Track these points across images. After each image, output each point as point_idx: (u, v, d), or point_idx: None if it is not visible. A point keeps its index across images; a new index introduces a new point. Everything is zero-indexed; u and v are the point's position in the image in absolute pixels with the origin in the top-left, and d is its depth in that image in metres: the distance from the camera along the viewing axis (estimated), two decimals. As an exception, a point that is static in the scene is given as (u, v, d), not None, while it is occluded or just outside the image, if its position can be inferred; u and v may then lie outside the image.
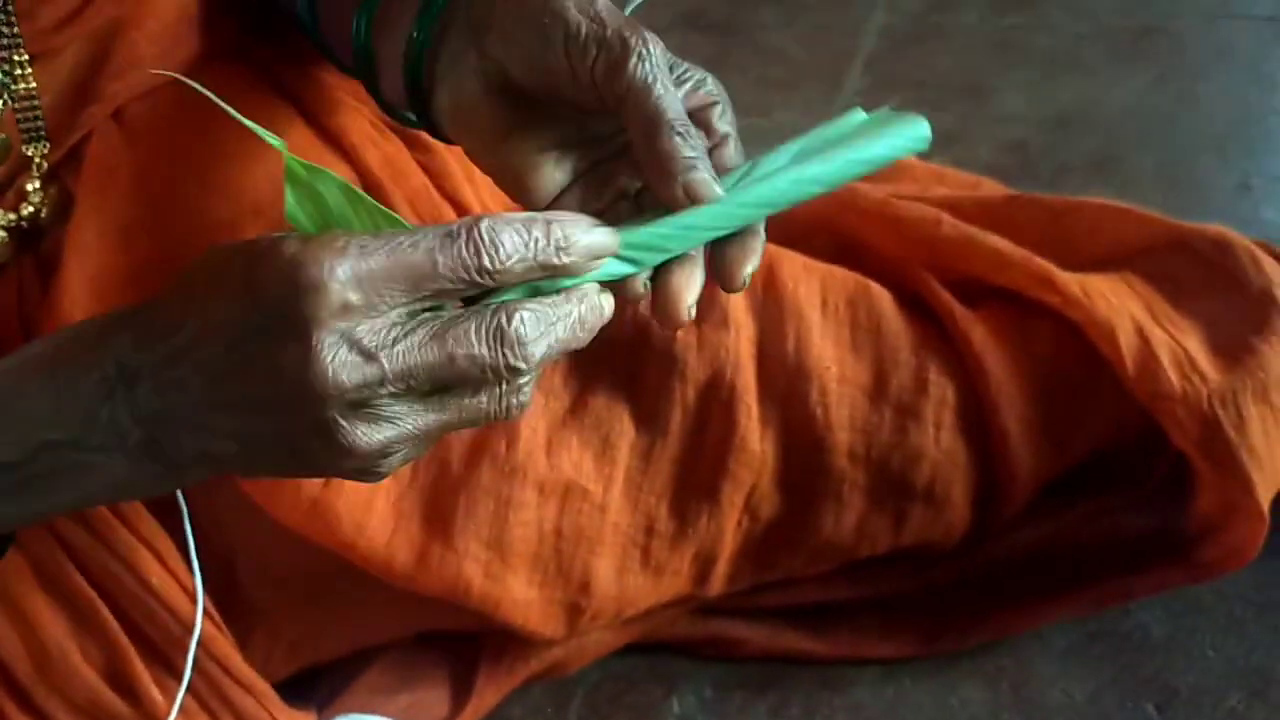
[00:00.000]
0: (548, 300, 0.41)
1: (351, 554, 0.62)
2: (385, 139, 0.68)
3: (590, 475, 0.64)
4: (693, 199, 0.44)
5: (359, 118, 0.67)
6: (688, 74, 0.49)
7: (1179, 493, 0.70)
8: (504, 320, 0.40)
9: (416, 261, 0.39)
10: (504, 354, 0.40)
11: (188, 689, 0.59)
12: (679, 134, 0.44)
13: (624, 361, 0.66)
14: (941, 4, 1.51)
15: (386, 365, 0.39)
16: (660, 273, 0.45)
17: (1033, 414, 0.67)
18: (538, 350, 0.40)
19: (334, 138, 0.66)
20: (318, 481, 0.61)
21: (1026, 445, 0.67)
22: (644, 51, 0.45)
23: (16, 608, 0.59)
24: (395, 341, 0.39)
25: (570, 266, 0.41)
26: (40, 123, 0.59)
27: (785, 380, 0.65)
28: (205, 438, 0.41)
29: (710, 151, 0.47)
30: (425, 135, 0.72)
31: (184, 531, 0.60)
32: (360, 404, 0.39)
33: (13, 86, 0.58)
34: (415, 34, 0.51)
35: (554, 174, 0.49)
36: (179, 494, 0.60)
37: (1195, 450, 0.65)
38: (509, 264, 0.40)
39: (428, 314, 0.40)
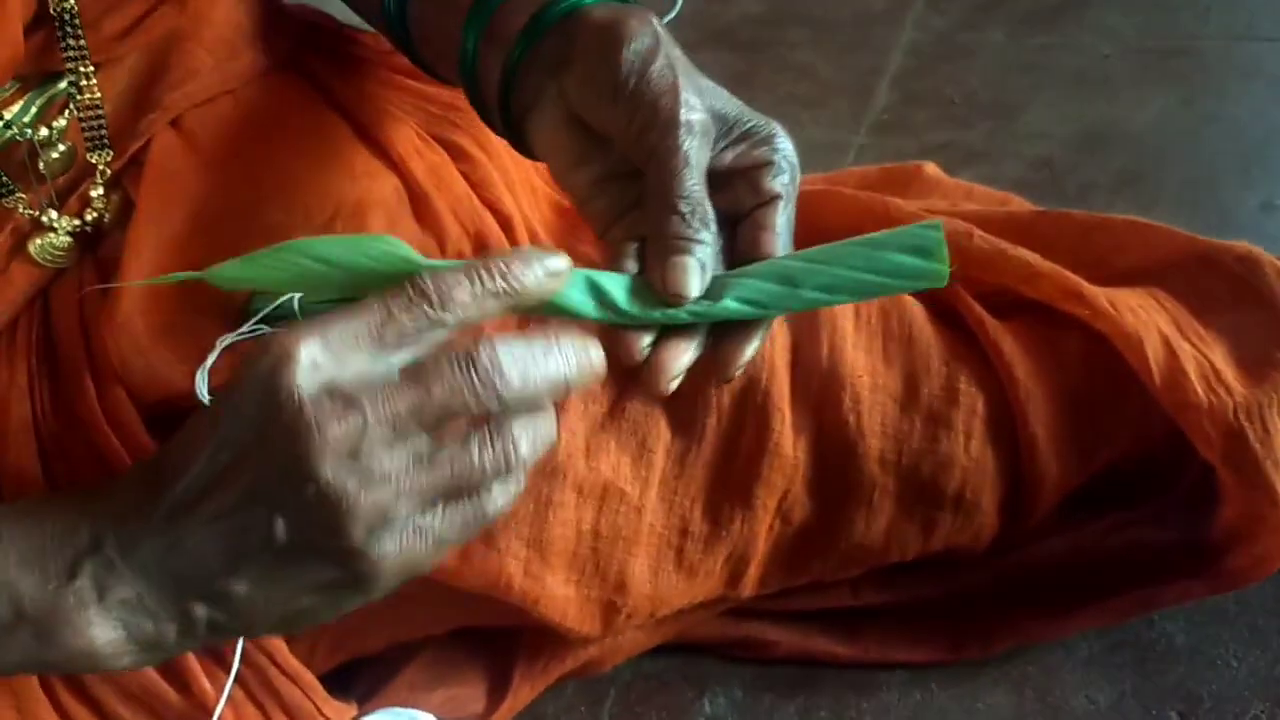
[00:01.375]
0: (524, 338, 0.43)
1: None
2: (430, 149, 0.70)
3: (627, 477, 0.66)
4: (669, 285, 0.45)
5: (405, 129, 0.69)
6: (753, 129, 0.50)
7: (1204, 504, 0.71)
8: (474, 349, 0.41)
9: (370, 314, 0.42)
10: (476, 380, 0.41)
11: (236, 679, 0.61)
12: (680, 214, 0.45)
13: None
14: (969, 23, 1.53)
15: (368, 408, 0.41)
16: (657, 340, 0.47)
17: (1061, 424, 0.68)
18: (513, 378, 0.41)
19: (382, 148, 0.68)
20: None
21: (1054, 454, 0.68)
22: (674, 120, 0.47)
23: None
24: (372, 385, 0.41)
25: (529, 295, 0.43)
26: (104, 131, 0.62)
27: (818, 388, 0.67)
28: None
29: (756, 209, 0.49)
30: (468, 146, 0.75)
31: None
32: (352, 454, 0.41)
33: (78, 96, 0.61)
34: (515, 52, 0.54)
35: (618, 202, 0.51)
36: None
37: (1220, 462, 0.66)
38: (464, 304, 0.42)
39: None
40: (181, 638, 0.46)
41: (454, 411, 0.42)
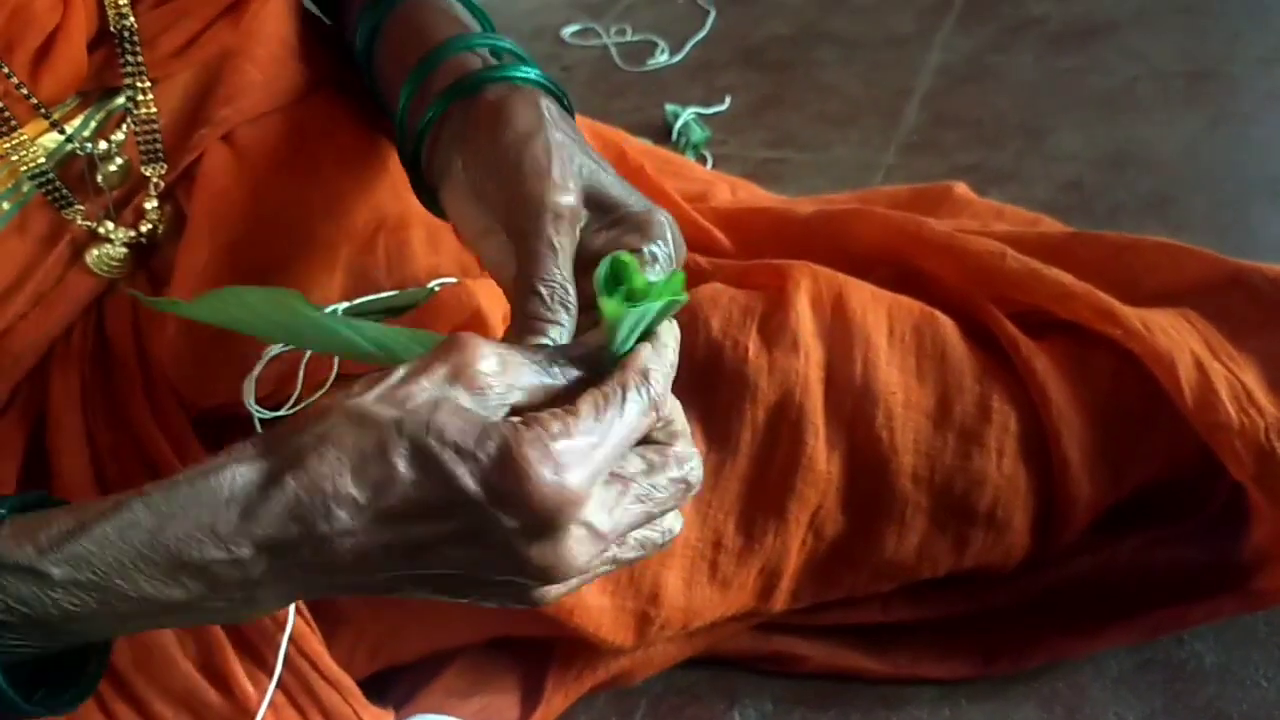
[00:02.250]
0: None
1: None
2: None
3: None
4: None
5: None
6: (630, 215, 0.51)
7: (1235, 523, 0.71)
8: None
9: (626, 436, 0.42)
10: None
11: (278, 684, 0.62)
12: (539, 295, 0.47)
13: (696, 382, 0.68)
14: (997, 45, 1.54)
15: (610, 537, 0.42)
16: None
17: (1093, 442, 0.68)
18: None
19: None
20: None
21: (1086, 472, 0.69)
22: (541, 205, 0.49)
23: None
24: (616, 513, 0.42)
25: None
26: (159, 144, 0.63)
27: (852, 404, 0.68)
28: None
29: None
30: None
31: None
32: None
33: (135, 111, 0.63)
34: (423, 119, 0.56)
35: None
36: None
37: (1251, 482, 0.67)
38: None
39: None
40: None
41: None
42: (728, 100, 1.47)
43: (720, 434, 0.68)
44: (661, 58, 1.62)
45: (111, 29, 0.61)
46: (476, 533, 0.40)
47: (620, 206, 0.51)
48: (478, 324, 0.69)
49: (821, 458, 0.68)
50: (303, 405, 0.66)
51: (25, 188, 0.61)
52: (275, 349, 0.67)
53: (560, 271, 0.48)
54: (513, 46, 0.59)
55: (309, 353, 0.67)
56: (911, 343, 0.69)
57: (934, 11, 1.64)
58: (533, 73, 0.56)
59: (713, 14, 1.71)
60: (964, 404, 0.68)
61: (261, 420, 0.64)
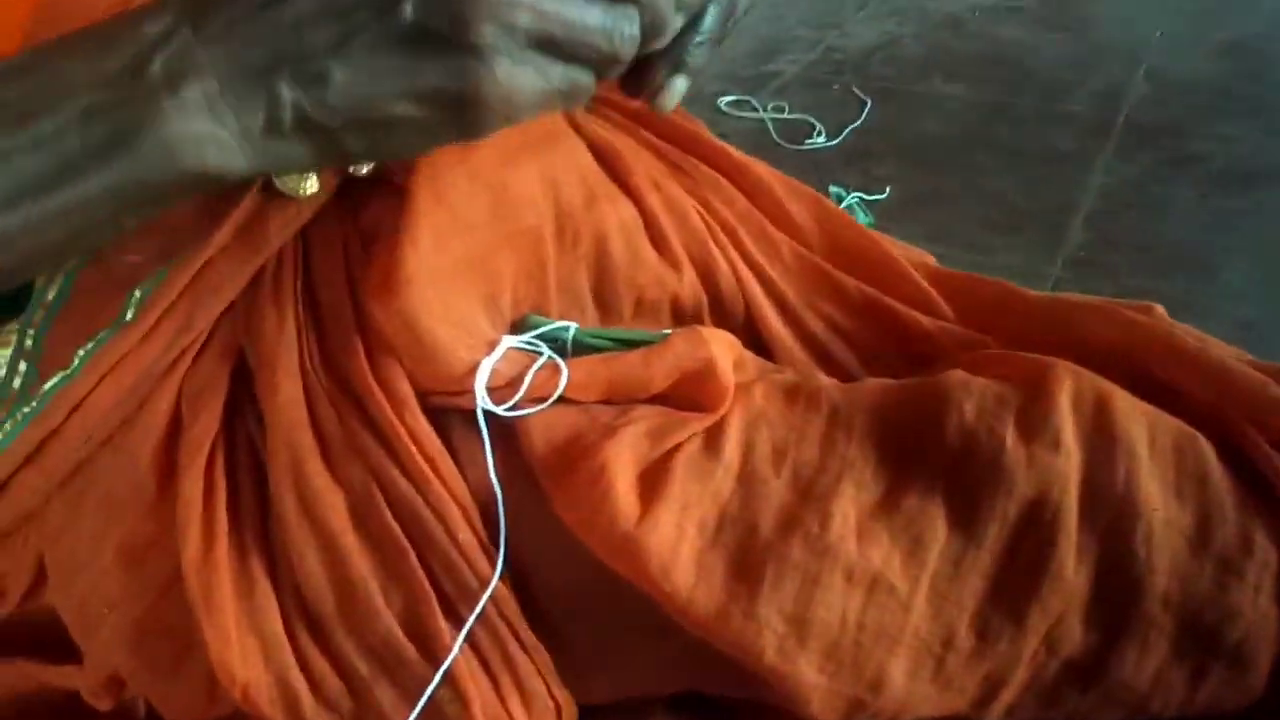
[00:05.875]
0: None
1: (656, 592, 0.62)
2: (668, 183, 0.72)
3: (898, 572, 0.63)
4: None
5: (642, 163, 0.70)
6: None
7: None
8: None
9: None
10: None
11: (470, 643, 0.60)
12: None
13: (944, 466, 0.65)
14: (1157, 176, 1.53)
15: None
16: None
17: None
18: None
19: (621, 177, 0.68)
20: (632, 516, 0.62)
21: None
22: None
23: (330, 545, 0.61)
24: None
25: None
26: None
27: (1110, 514, 0.64)
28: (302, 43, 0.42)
29: None
30: (704, 192, 0.76)
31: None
32: None
33: None
34: None
35: None
36: (496, 486, 0.62)
37: None
38: None
39: None
40: (268, 132, 0.43)
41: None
42: (888, 190, 1.46)
43: (964, 522, 0.64)
44: (819, 139, 1.61)
45: None
46: None
47: None
48: (709, 374, 0.67)
49: (1070, 565, 0.64)
50: (528, 411, 0.64)
51: None
52: (511, 340, 0.65)
53: None
54: None
55: (543, 357, 0.65)
56: (1172, 460, 0.66)
57: (1094, 133, 1.63)
58: None
59: (869, 104, 1.70)
60: (1225, 533, 0.64)
61: (487, 414, 0.63)
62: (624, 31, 0.46)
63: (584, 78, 0.47)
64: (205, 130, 0.43)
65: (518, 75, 0.43)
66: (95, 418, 0.63)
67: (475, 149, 0.65)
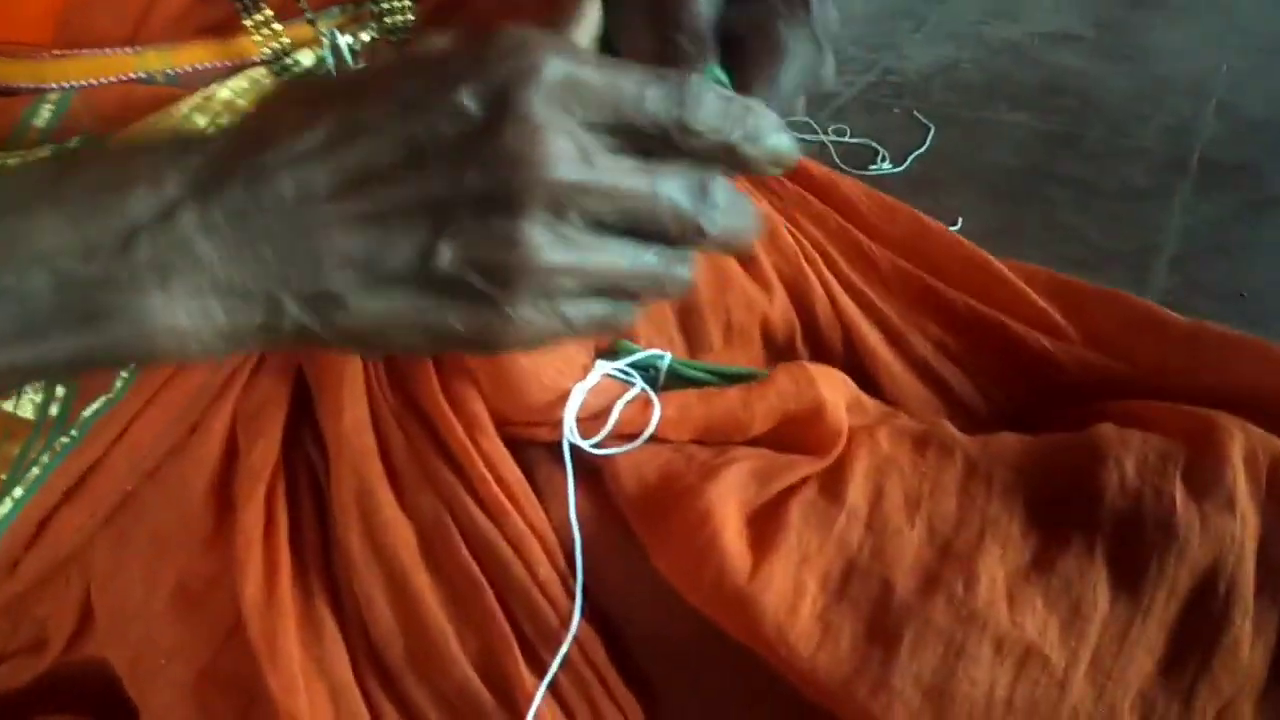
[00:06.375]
0: (731, 185, 0.40)
1: (772, 655, 0.55)
2: (757, 200, 0.68)
3: (1054, 644, 0.56)
4: None
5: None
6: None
7: None
8: (709, 182, 0.39)
9: (628, 87, 0.37)
10: (703, 211, 0.39)
11: (553, 685, 0.54)
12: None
13: (1103, 527, 0.58)
14: (1238, 216, 1.46)
15: (596, 175, 0.36)
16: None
17: None
18: (719, 223, 0.39)
19: None
20: (743, 569, 0.55)
21: None
22: None
23: (400, 584, 0.54)
24: (605, 156, 0.37)
25: (750, 161, 0.40)
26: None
27: (1291, 588, 0.57)
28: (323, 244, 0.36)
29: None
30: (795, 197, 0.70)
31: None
32: (557, 209, 0.36)
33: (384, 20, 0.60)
34: None
35: None
36: (575, 526, 0.56)
37: None
38: (703, 128, 0.38)
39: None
40: (260, 334, 0.38)
41: (661, 225, 0.39)
42: (959, 221, 1.40)
43: (1130, 589, 0.57)
44: (884, 165, 1.55)
45: None
46: (440, 147, 0.35)
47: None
48: (817, 417, 0.60)
49: (1246, 644, 0.56)
50: (617, 450, 0.58)
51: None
52: (606, 366, 0.59)
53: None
54: None
55: (635, 388, 0.59)
56: (1351, 532, 0.59)
57: (1169, 170, 1.57)
58: None
59: (932, 130, 1.64)
60: None
61: (573, 448, 0.56)
62: (678, 275, 0.41)
63: (626, 315, 0.41)
64: (189, 327, 0.37)
65: (543, 328, 0.39)
66: (142, 447, 0.56)
67: None
